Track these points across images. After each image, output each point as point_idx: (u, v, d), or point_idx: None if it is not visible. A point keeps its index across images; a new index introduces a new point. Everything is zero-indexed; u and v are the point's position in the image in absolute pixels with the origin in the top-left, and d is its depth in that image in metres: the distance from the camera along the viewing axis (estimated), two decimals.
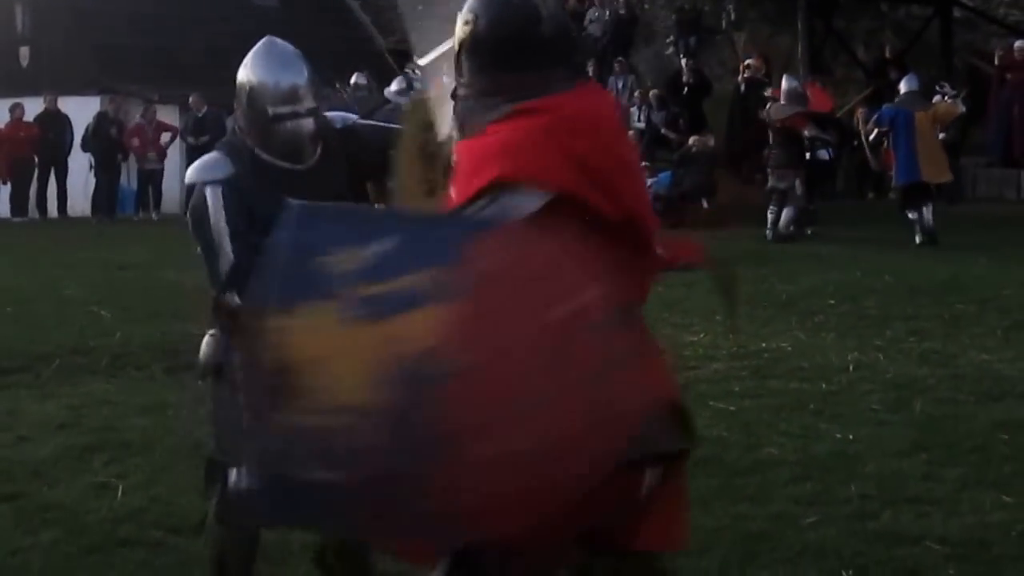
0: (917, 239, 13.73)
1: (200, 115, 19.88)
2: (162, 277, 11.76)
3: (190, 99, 20.29)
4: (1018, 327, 8.93)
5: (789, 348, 8.42)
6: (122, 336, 9.21)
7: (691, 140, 17.20)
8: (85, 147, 20.41)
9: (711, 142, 17.36)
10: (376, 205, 4.19)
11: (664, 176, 16.55)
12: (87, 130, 20.36)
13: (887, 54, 21.20)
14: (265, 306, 2.78)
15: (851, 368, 7.77)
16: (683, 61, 20.81)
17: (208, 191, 3.90)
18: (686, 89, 19.55)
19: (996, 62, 19.29)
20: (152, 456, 6.11)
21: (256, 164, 3.96)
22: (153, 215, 20.32)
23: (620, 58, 20.86)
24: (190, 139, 19.77)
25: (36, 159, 20.56)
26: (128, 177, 21.44)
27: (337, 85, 14.33)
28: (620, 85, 19.98)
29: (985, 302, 9.90)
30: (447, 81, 3.31)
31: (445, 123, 3.33)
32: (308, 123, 3.99)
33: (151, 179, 20.70)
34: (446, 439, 2.70)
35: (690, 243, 3.39)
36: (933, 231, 13.65)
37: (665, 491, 3.16)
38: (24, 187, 20.65)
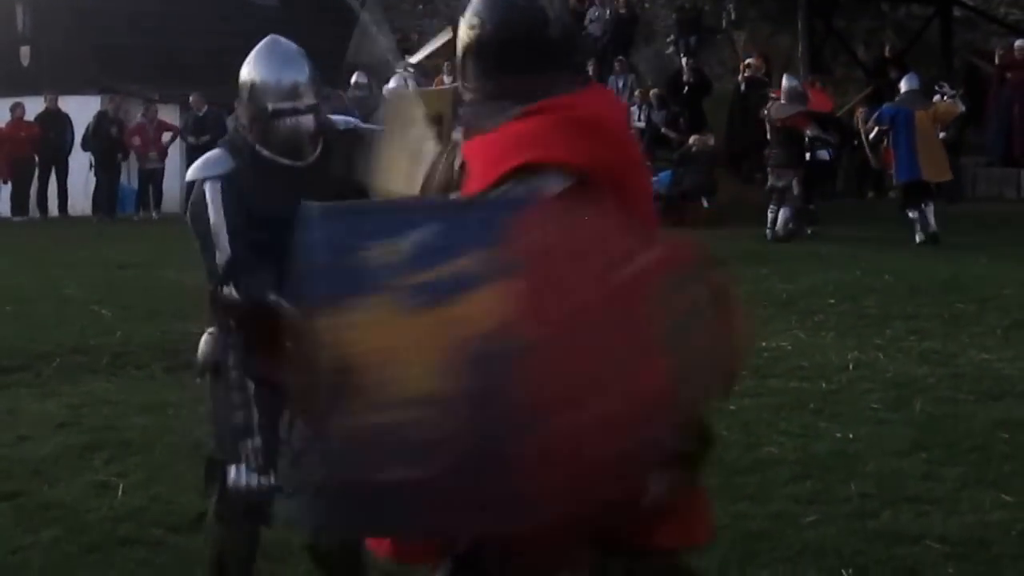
0: (917, 238, 13.73)
1: (200, 114, 19.86)
2: (162, 276, 11.75)
3: (190, 99, 20.27)
4: (1018, 327, 8.93)
5: (789, 347, 8.41)
6: (122, 335, 9.21)
7: (691, 139, 17.18)
8: (85, 146, 20.39)
9: (711, 141, 17.34)
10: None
11: (664, 175, 16.50)
12: (87, 129, 20.34)
13: (887, 53, 21.15)
14: (313, 307, 2.71)
15: (851, 367, 7.77)
16: (683, 60, 20.78)
17: (207, 186, 3.92)
18: (686, 88, 19.52)
19: (996, 61, 19.28)
20: (152, 455, 6.11)
21: (256, 160, 3.97)
22: (154, 214, 20.29)
23: (620, 57, 20.83)
24: (190, 138, 19.74)
25: (37, 158, 20.54)
26: (128, 176, 21.44)
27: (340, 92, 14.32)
28: (620, 84, 19.94)
29: (985, 301, 9.89)
30: (448, 81, 3.31)
31: (429, 119, 3.32)
32: (308, 120, 3.99)
33: (152, 178, 20.68)
34: (533, 412, 2.63)
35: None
36: (935, 231, 13.65)
37: (682, 489, 3.13)
38: (25, 186, 20.63)
